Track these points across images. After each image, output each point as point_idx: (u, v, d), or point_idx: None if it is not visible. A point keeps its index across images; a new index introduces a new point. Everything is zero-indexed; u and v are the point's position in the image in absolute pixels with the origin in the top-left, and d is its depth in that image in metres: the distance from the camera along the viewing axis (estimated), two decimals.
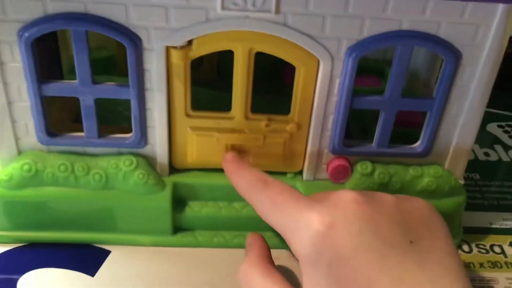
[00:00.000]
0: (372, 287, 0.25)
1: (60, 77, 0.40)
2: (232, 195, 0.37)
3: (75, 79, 0.33)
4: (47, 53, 0.39)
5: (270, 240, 0.34)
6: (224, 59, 0.48)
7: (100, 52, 0.48)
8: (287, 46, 0.32)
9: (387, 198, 0.28)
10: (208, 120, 0.35)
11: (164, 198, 0.36)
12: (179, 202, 0.37)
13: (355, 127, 0.42)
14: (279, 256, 0.36)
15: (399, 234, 0.26)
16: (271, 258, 0.31)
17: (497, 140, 0.54)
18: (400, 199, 0.29)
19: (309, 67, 0.33)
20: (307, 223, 0.26)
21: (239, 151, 0.36)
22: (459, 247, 0.40)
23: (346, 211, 0.27)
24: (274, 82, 0.47)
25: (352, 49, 0.32)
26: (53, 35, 0.39)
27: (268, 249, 0.32)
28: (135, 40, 0.31)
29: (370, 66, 0.49)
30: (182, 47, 0.32)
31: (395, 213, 0.27)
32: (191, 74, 0.33)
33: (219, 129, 0.35)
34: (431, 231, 0.28)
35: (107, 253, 0.37)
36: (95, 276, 0.35)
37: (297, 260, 0.27)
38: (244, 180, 0.31)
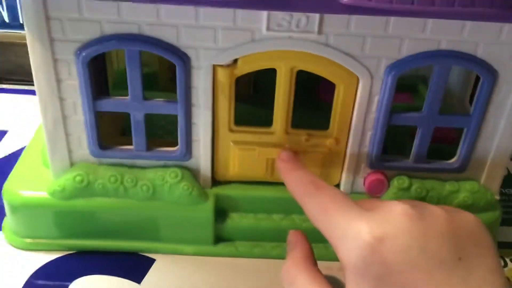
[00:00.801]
0: None
1: (107, 92, 0.42)
2: (272, 207, 0.39)
3: (119, 94, 0.35)
4: (97, 70, 0.42)
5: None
6: (259, 76, 0.49)
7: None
8: (328, 64, 0.33)
9: (438, 211, 0.28)
10: (250, 134, 0.37)
11: (207, 209, 0.37)
12: (220, 213, 0.39)
13: (390, 142, 0.43)
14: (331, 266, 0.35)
15: (448, 251, 0.26)
16: (314, 258, 0.31)
17: None
18: (450, 213, 0.28)
19: (349, 85, 0.34)
20: (356, 233, 0.26)
21: (294, 151, 0.36)
22: None
23: (396, 224, 0.26)
24: (309, 98, 0.48)
25: (391, 67, 0.33)
26: (102, 55, 0.41)
27: (311, 249, 0.32)
28: (185, 59, 0.33)
29: (402, 83, 0.49)
30: (228, 66, 0.34)
31: (445, 229, 0.27)
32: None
33: (260, 143, 0.37)
34: (479, 247, 0.27)
35: (152, 261, 0.38)
36: (141, 283, 0.36)
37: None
38: (296, 181, 0.31)
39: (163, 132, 0.43)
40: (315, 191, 0.30)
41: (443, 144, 0.40)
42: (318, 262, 0.31)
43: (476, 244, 0.27)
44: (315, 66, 0.34)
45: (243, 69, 0.34)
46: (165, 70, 0.49)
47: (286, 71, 0.34)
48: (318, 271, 0.30)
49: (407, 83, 0.50)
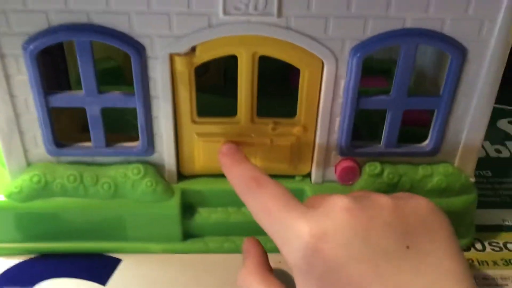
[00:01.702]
0: None
1: (68, 88, 0.40)
2: (241, 200, 0.38)
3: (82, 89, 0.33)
4: (54, 65, 0.40)
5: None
6: (230, 65, 0.48)
7: (107, 63, 0.48)
8: (290, 48, 0.32)
9: (382, 201, 0.27)
10: (214, 125, 0.35)
11: (173, 205, 0.36)
12: (188, 208, 0.37)
13: (365, 129, 0.42)
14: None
15: (393, 240, 0.25)
16: (268, 264, 0.31)
17: (508, 137, 0.53)
18: (397, 199, 0.27)
19: (313, 69, 0.33)
20: (297, 234, 0.26)
21: (236, 142, 0.35)
22: (472, 245, 0.40)
23: (336, 220, 0.26)
24: (281, 85, 0.47)
25: (356, 49, 0.32)
26: (59, 47, 0.39)
27: (265, 254, 0.32)
28: (139, 48, 0.31)
29: (377, 67, 0.48)
30: (185, 54, 0.32)
31: (390, 217, 0.26)
32: (197, 81, 0.34)
33: (225, 134, 0.35)
34: (430, 232, 0.26)
35: (117, 261, 0.37)
36: (106, 285, 0.35)
37: None
38: (237, 177, 0.30)
39: (130, 128, 0.41)
40: (256, 189, 0.29)
41: (418, 127, 0.39)
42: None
43: (428, 230, 0.26)
44: (277, 51, 0.32)
45: (202, 57, 0.32)
46: (130, 63, 0.47)
47: (247, 57, 0.33)
48: (272, 276, 0.30)
49: (381, 66, 0.49)
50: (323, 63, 0.33)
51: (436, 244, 0.26)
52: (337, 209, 0.26)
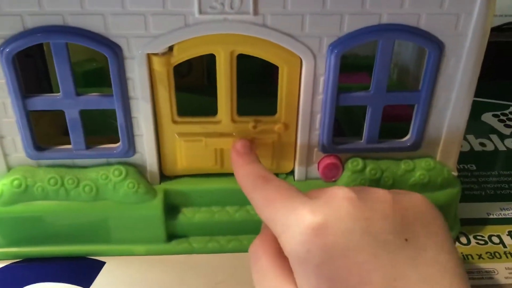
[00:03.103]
0: (363, 287, 0.24)
1: (50, 91, 0.40)
2: (224, 199, 0.38)
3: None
4: (34, 68, 0.40)
5: None
6: (213, 65, 0.48)
7: (89, 64, 0.48)
8: (268, 46, 0.32)
9: (382, 194, 0.27)
10: (195, 125, 0.35)
11: (155, 206, 0.36)
12: (171, 209, 0.37)
13: (348, 126, 0.42)
14: None
15: (393, 232, 0.26)
16: None
17: (493, 130, 0.53)
18: (395, 194, 0.28)
19: (292, 67, 0.33)
20: (298, 221, 0.26)
21: (250, 139, 0.35)
22: (457, 239, 0.40)
23: (338, 209, 0.26)
24: (265, 84, 0.47)
25: (333, 46, 0.32)
26: (40, 50, 0.39)
27: None
28: (115, 49, 0.31)
29: (360, 63, 0.48)
30: (163, 54, 0.32)
31: (390, 211, 0.26)
32: (180, 81, 0.33)
33: (206, 134, 0.35)
34: (427, 227, 0.27)
35: (101, 264, 0.36)
36: None
37: None
38: (247, 175, 0.30)
39: (112, 131, 0.41)
40: (262, 184, 0.29)
41: (401, 123, 0.39)
42: None
43: (424, 224, 0.27)
44: (255, 48, 0.32)
45: (179, 56, 0.32)
46: None
47: (225, 56, 0.32)
48: (283, 254, 0.28)
49: (365, 63, 0.49)
50: (301, 61, 0.33)
51: (432, 238, 0.26)
52: (339, 197, 0.26)
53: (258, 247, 0.29)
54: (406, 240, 0.26)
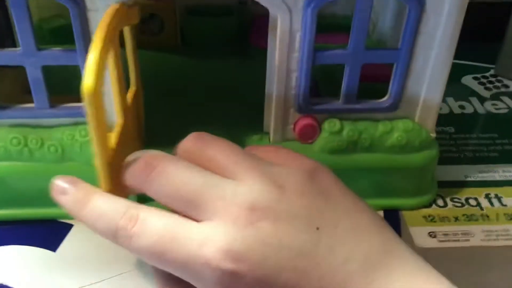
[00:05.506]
0: None
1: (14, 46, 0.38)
2: None
3: None
4: None
5: None
6: (187, 24, 0.46)
7: (56, 21, 0.46)
8: None
9: (268, 201, 0.24)
10: None
11: None
12: None
13: (326, 86, 0.41)
14: None
15: (303, 232, 0.24)
16: None
17: (473, 93, 0.53)
18: (279, 189, 0.25)
19: None
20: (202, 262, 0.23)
21: None
22: (434, 201, 0.39)
23: (243, 236, 0.23)
24: (241, 45, 0.45)
25: (309, 0, 0.30)
26: (1, 4, 0.37)
27: None
28: (77, 0, 0.29)
29: (339, 23, 0.47)
30: (129, 7, 0.30)
31: (295, 209, 0.24)
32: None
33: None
34: (328, 199, 0.25)
35: (69, 227, 0.35)
36: (56, 251, 0.34)
37: None
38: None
39: None
40: None
41: (379, 83, 0.38)
42: None
43: (326, 199, 0.25)
44: None
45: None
46: None
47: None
48: None
49: (345, 23, 0.47)
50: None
51: (338, 208, 0.25)
52: (240, 221, 0.23)
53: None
54: (318, 228, 0.24)
